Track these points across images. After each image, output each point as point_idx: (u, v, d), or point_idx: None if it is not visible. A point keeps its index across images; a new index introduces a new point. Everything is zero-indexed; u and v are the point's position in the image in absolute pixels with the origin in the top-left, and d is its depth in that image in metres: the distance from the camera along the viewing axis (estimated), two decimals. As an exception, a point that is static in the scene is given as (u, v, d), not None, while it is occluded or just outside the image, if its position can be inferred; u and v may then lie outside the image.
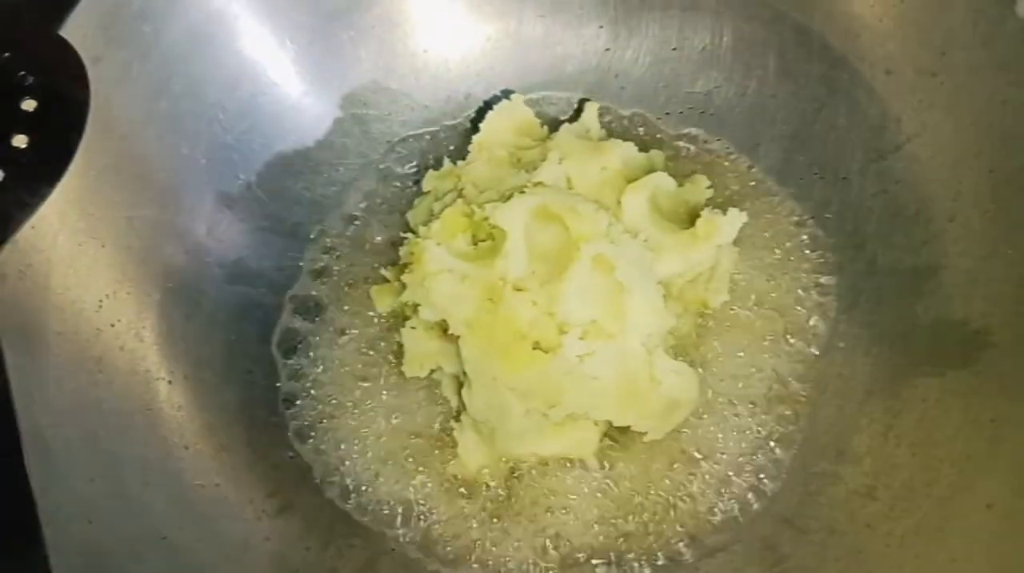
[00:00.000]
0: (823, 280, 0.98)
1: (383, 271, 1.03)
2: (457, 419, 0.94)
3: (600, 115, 1.05)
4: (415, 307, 0.90)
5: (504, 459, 0.94)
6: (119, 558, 0.82)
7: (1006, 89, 0.85)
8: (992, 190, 0.86)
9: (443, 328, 0.89)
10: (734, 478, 0.91)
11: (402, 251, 0.97)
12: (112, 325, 0.92)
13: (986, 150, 0.87)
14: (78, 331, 0.89)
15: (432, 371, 0.95)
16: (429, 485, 0.94)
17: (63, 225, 0.89)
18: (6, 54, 0.87)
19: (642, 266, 0.87)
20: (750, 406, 0.93)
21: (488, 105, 1.08)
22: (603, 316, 0.84)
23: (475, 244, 0.92)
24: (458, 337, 0.87)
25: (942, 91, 0.91)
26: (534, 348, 0.84)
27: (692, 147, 1.08)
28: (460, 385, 0.92)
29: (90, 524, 0.80)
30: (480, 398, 0.87)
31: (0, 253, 0.83)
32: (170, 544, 0.85)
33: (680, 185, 1.00)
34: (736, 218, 0.93)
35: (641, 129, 1.09)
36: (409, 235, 0.98)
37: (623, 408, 0.86)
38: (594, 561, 0.91)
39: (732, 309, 0.98)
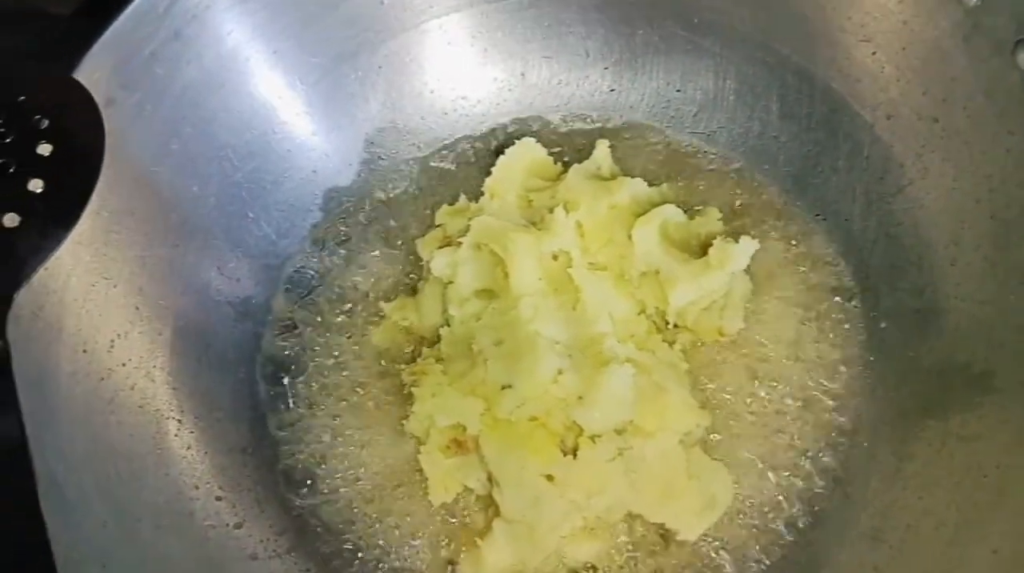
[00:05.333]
0: (826, 322, 0.99)
1: (382, 304, 1.04)
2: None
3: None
4: (427, 431, 0.92)
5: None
6: (132, 603, 0.82)
7: (1007, 137, 0.86)
8: (993, 236, 0.88)
9: (459, 441, 0.90)
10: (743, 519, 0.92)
11: (405, 375, 0.99)
12: (123, 365, 0.92)
13: (987, 196, 0.89)
14: (90, 372, 0.89)
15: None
16: (437, 525, 0.94)
17: (76, 266, 0.89)
18: (21, 97, 0.87)
19: (675, 369, 0.92)
20: (756, 450, 0.93)
21: (496, 146, 1.10)
22: (641, 416, 0.87)
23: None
24: (477, 438, 0.89)
25: (943, 137, 0.93)
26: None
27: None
28: (487, 504, 0.92)
29: (104, 568, 0.80)
30: (512, 493, 0.87)
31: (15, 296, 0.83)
32: (182, 587, 0.85)
33: (691, 218, 1.02)
34: (748, 245, 0.94)
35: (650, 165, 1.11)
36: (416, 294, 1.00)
37: (660, 504, 0.87)
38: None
39: (731, 353, 0.99)
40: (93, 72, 0.89)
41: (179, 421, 0.94)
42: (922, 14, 0.91)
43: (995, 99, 0.87)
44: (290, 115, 1.07)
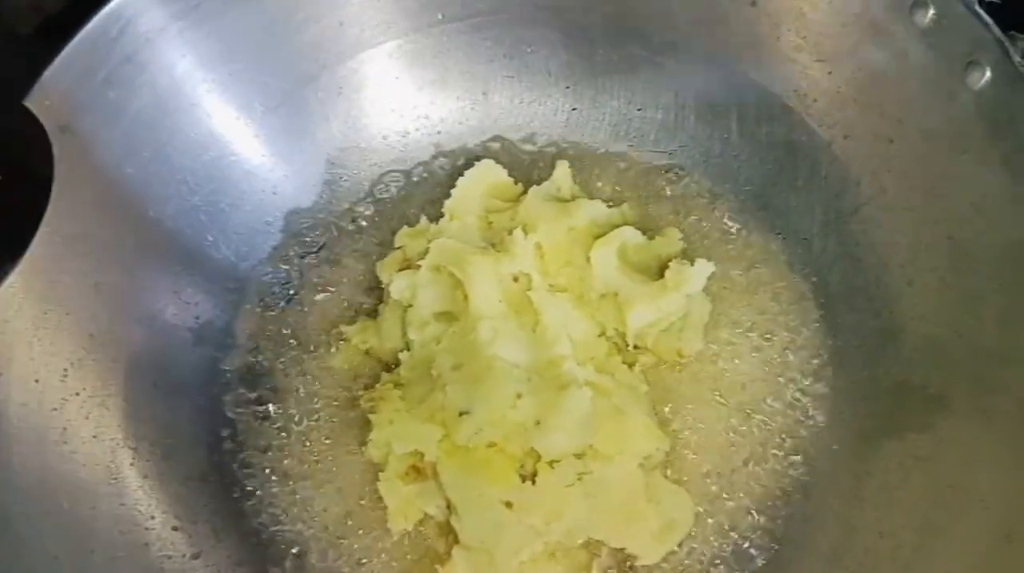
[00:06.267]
0: (785, 340, 0.99)
1: (343, 326, 1.04)
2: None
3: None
4: (386, 457, 0.91)
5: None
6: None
7: (959, 158, 0.86)
8: (949, 257, 0.88)
9: (417, 468, 0.90)
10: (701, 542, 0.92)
11: (363, 401, 0.97)
12: (77, 394, 0.91)
13: (942, 217, 0.89)
14: (42, 402, 0.88)
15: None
16: (397, 553, 0.93)
17: (27, 294, 0.87)
18: (-31, 126, 0.86)
19: (635, 391, 0.92)
20: (715, 472, 0.93)
21: (457, 166, 1.10)
22: (600, 440, 0.87)
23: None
24: (435, 464, 0.88)
25: (899, 157, 0.93)
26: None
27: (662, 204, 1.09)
28: (447, 531, 0.91)
29: (55, 604, 0.79)
30: (470, 520, 0.86)
31: (-37, 328, 0.82)
32: (137, 619, 0.84)
33: (651, 238, 1.02)
34: (704, 268, 0.95)
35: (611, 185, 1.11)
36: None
37: (620, 528, 0.87)
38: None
39: (691, 373, 0.99)
40: (45, 98, 0.88)
41: (135, 449, 0.93)
42: (875, 34, 0.91)
43: (948, 120, 0.87)
44: (248, 137, 1.06)
